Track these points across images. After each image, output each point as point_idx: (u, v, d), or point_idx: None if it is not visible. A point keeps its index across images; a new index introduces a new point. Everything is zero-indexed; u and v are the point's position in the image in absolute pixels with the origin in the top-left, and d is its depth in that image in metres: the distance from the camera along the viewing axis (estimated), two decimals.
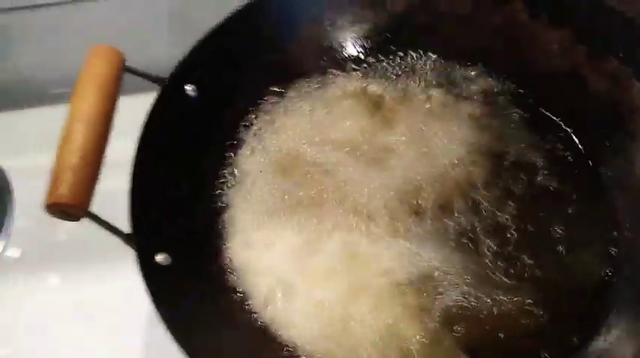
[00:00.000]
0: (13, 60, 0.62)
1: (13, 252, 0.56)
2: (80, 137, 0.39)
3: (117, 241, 0.50)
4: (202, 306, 0.42)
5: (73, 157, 0.38)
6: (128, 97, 0.44)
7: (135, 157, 0.43)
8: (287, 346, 0.43)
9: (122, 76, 0.44)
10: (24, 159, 0.60)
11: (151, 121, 0.45)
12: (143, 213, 0.42)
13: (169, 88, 0.47)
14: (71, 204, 0.37)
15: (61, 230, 0.56)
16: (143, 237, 0.40)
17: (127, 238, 0.40)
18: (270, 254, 0.46)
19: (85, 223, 0.43)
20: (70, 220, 0.39)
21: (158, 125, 0.46)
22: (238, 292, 0.46)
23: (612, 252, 0.46)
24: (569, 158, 0.50)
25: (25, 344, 0.51)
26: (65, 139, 0.39)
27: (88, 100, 0.41)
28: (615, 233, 0.47)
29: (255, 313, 0.45)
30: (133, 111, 0.44)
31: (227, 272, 0.46)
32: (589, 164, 0.50)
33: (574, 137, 0.51)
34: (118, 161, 0.42)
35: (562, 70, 0.51)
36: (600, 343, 0.43)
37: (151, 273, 0.39)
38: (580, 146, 0.51)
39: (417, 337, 0.42)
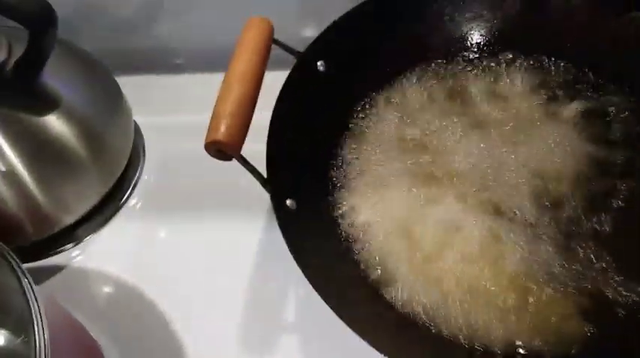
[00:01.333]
0: (160, 28, 0.70)
1: (141, 201, 0.63)
2: (237, 90, 0.46)
3: (231, 193, 0.59)
4: (318, 243, 0.48)
5: (231, 105, 0.45)
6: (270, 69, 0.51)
7: (272, 117, 0.50)
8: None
9: (271, 45, 0.50)
10: (159, 119, 0.68)
11: (286, 88, 0.52)
12: (276, 164, 0.48)
13: (304, 61, 0.54)
14: (227, 144, 0.44)
15: (182, 184, 0.64)
16: (277, 183, 0.46)
17: (264, 182, 0.46)
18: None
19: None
20: (222, 159, 0.45)
21: (292, 92, 0.52)
22: (348, 240, 0.51)
23: None
24: None
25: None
26: (225, 90, 0.46)
27: (244, 61, 0.48)
28: None
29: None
30: (273, 81, 0.51)
31: (340, 221, 0.52)
32: None
33: None
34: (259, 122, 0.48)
35: None
36: None
37: (282, 214, 0.45)
38: None
39: None
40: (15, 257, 0.42)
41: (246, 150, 0.45)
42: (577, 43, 0.56)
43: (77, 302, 0.54)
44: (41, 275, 0.58)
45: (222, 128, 0.44)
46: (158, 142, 0.67)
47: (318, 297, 0.40)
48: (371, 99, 0.58)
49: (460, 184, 0.52)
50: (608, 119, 0.54)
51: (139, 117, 0.67)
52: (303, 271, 0.42)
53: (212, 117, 0.45)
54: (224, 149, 0.44)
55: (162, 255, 0.59)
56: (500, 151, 0.53)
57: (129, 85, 0.65)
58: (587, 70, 0.57)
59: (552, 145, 0.54)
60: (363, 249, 0.50)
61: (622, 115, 0.54)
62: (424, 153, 0.55)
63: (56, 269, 0.59)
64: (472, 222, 0.50)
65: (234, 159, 0.45)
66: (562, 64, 0.57)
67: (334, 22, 0.55)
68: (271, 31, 0.51)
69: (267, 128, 0.49)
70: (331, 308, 0.40)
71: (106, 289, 0.58)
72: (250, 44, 0.48)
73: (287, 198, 0.47)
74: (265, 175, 0.46)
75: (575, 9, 0.56)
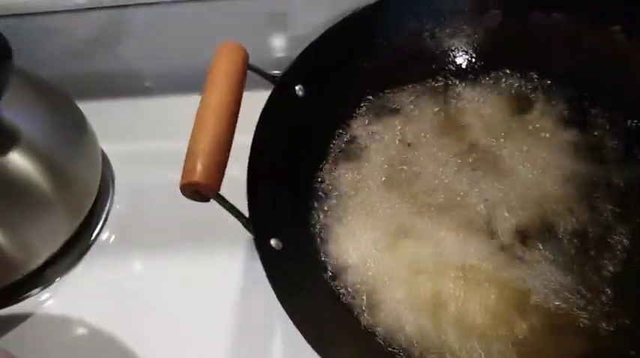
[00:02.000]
0: (124, 50, 0.66)
1: (113, 235, 0.59)
2: (213, 124, 0.43)
3: (208, 226, 0.55)
4: (305, 284, 0.46)
5: (206, 143, 0.42)
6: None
7: (251, 150, 0.47)
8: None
9: (246, 72, 0.47)
10: (126, 146, 0.64)
11: (264, 116, 0.49)
12: (258, 201, 0.45)
13: (281, 86, 0.51)
14: (204, 185, 0.41)
15: (156, 214, 0.60)
16: (259, 223, 0.44)
17: (246, 222, 0.43)
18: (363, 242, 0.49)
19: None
20: (199, 201, 0.42)
21: (270, 121, 0.49)
22: (335, 279, 0.48)
23: None
24: None
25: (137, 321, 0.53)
26: (199, 126, 0.43)
27: (219, 91, 0.44)
28: None
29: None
30: (250, 106, 0.48)
31: (324, 257, 0.49)
32: None
33: None
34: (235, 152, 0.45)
35: None
36: None
37: (266, 256, 0.42)
38: None
39: None
40: None
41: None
42: (559, 57, 0.55)
43: (45, 354, 0.51)
44: (5, 325, 0.54)
45: (199, 168, 0.41)
46: (128, 171, 0.63)
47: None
48: (352, 122, 0.56)
49: (452, 215, 0.50)
50: (595, 134, 0.53)
51: (105, 144, 0.63)
52: (291, 318, 0.39)
53: (187, 157, 0.42)
54: (201, 191, 0.41)
55: (138, 293, 0.55)
56: (493, 178, 0.52)
57: (92, 111, 0.60)
58: (571, 85, 0.55)
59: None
60: (352, 290, 0.47)
61: (610, 131, 0.53)
62: (412, 179, 0.52)
63: (22, 318, 0.55)
64: (475, 259, 0.47)
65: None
66: (546, 80, 0.56)
67: (310, 43, 0.52)
68: (245, 56, 0.47)
69: (242, 153, 0.46)
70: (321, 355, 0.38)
71: (79, 337, 0.53)
72: (223, 73, 0.45)
73: (271, 238, 0.45)
74: (246, 214, 0.43)
75: (557, 23, 0.55)
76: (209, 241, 0.57)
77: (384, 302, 0.46)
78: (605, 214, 0.49)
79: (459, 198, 0.51)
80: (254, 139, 0.47)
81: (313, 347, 0.38)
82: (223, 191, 0.42)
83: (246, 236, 0.55)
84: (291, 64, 0.52)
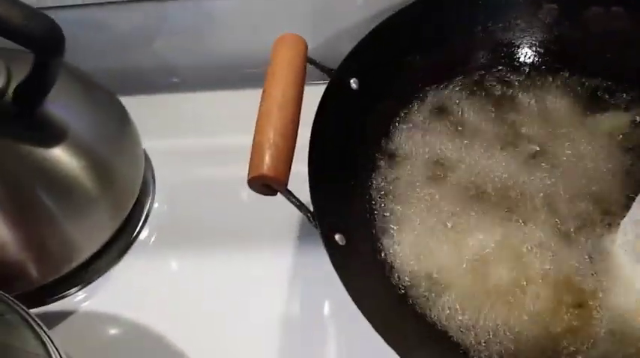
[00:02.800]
0: (162, 45, 0.65)
1: (154, 234, 0.58)
2: (278, 117, 0.42)
3: (250, 223, 0.54)
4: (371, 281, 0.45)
5: (274, 135, 0.41)
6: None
7: (310, 145, 0.46)
8: None
9: (306, 64, 0.46)
10: (165, 143, 0.63)
11: (321, 111, 0.48)
12: (321, 195, 0.44)
13: (337, 80, 0.50)
14: (273, 178, 0.40)
15: (196, 212, 0.58)
16: (324, 217, 0.42)
17: (311, 216, 0.42)
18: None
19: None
20: (266, 194, 0.41)
21: (327, 114, 0.48)
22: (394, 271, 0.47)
23: None
24: None
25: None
26: (264, 119, 0.42)
27: (282, 83, 0.43)
28: None
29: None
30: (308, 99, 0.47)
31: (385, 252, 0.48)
32: None
33: None
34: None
35: None
36: None
37: (333, 251, 0.41)
38: None
39: None
40: (22, 306, 0.36)
41: None
42: (619, 56, 0.54)
43: (87, 353, 0.49)
44: (45, 324, 0.52)
45: (267, 160, 0.40)
46: (168, 168, 0.62)
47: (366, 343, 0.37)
48: (406, 117, 0.55)
49: (513, 206, 0.49)
50: None
51: (146, 141, 0.61)
52: (364, 314, 0.38)
53: (253, 150, 0.41)
54: (271, 183, 0.40)
55: (180, 292, 0.54)
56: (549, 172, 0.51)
57: (132, 107, 0.59)
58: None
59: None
60: (416, 286, 0.46)
61: None
62: (466, 173, 0.51)
63: (62, 316, 0.53)
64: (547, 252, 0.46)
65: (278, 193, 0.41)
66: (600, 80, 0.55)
67: (364, 37, 0.51)
68: (305, 48, 0.47)
69: (304, 147, 0.44)
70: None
71: (119, 336, 0.52)
72: (286, 64, 0.44)
73: (336, 233, 0.43)
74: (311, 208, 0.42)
75: (615, 20, 0.54)
76: (252, 239, 0.55)
77: (450, 297, 0.45)
78: None
79: (516, 191, 0.50)
80: (312, 133, 0.46)
81: (381, 335, 0.37)
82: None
83: (293, 233, 0.55)
84: (346, 57, 0.51)
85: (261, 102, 0.43)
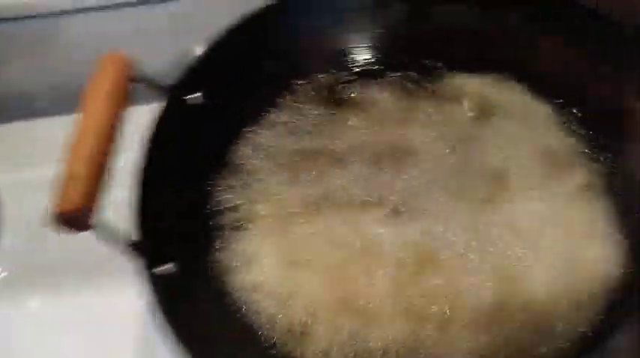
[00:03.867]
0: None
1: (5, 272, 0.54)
2: (89, 147, 0.39)
3: (106, 258, 0.49)
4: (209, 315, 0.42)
5: (82, 167, 0.38)
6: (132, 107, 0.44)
7: (141, 166, 0.43)
8: None
9: (131, 85, 0.44)
10: (12, 174, 0.59)
11: (158, 129, 0.46)
12: (148, 221, 0.41)
13: (175, 96, 0.47)
14: (80, 213, 0.37)
15: (49, 247, 0.54)
16: (149, 246, 0.40)
17: (133, 247, 0.39)
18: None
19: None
20: (74, 231, 0.38)
21: (165, 133, 0.46)
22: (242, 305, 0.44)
23: None
24: None
25: None
26: (74, 149, 0.39)
27: (97, 109, 0.41)
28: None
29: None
30: (137, 120, 0.44)
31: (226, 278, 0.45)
32: None
33: None
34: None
35: None
36: None
37: (156, 282, 0.39)
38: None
39: None
40: None
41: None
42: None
43: None
44: None
45: (73, 195, 0.37)
46: (17, 200, 0.57)
47: None
48: (255, 128, 0.52)
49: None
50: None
51: None
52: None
53: (59, 183, 0.38)
54: (76, 220, 0.37)
55: (35, 333, 0.51)
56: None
57: None
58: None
59: None
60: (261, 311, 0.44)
61: None
62: (316, 182, 0.49)
63: None
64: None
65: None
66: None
67: (207, 48, 0.49)
68: (128, 68, 0.44)
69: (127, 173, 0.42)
70: None
71: None
72: (101, 87, 0.41)
73: (165, 263, 0.41)
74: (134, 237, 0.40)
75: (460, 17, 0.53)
76: (108, 275, 0.51)
77: (296, 318, 0.43)
78: None
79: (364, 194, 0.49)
80: (146, 152, 0.44)
81: None
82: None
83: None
84: (186, 70, 0.49)
85: (73, 129, 0.40)
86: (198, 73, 0.49)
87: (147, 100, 0.46)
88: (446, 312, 0.42)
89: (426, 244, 0.46)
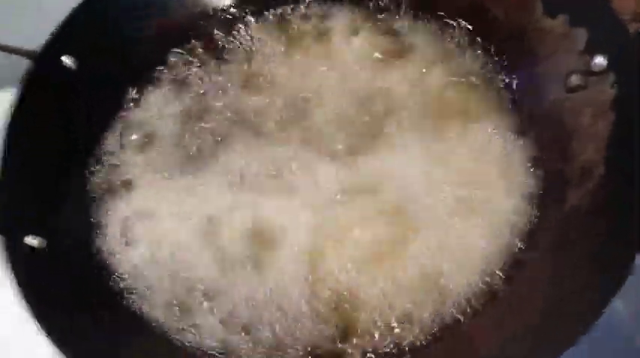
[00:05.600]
0: None
1: None
2: None
3: None
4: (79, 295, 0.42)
5: None
6: None
7: (6, 132, 0.42)
8: None
9: None
10: None
11: (24, 99, 0.43)
12: (12, 189, 0.40)
13: (43, 61, 0.45)
14: None
15: None
16: (12, 220, 0.39)
17: None
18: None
19: None
20: None
21: (30, 101, 0.44)
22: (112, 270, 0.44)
23: None
24: None
25: None
26: None
27: None
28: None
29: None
30: None
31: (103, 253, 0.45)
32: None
33: None
34: None
35: None
36: None
37: (19, 258, 0.38)
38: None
39: None
40: None
41: None
42: None
43: None
44: None
45: None
46: None
47: None
48: (138, 92, 0.50)
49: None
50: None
51: None
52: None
53: None
54: None
55: None
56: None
57: None
58: None
59: None
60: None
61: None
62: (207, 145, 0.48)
63: None
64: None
65: None
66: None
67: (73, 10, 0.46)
68: None
69: None
70: None
71: None
72: None
73: (28, 235, 0.40)
74: None
75: None
76: None
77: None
78: None
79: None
80: (11, 119, 0.42)
81: None
82: None
83: None
84: (54, 34, 0.46)
85: None
86: (69, 35, 0.46)
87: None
88: None
89: None
